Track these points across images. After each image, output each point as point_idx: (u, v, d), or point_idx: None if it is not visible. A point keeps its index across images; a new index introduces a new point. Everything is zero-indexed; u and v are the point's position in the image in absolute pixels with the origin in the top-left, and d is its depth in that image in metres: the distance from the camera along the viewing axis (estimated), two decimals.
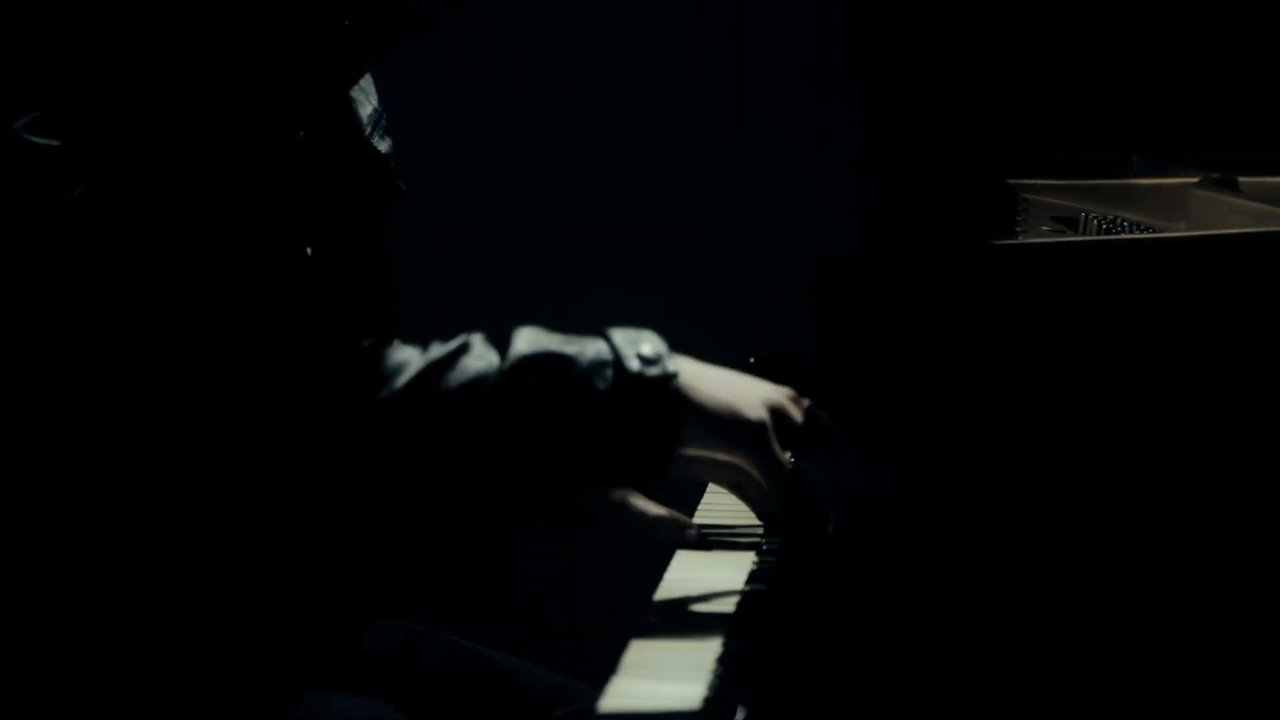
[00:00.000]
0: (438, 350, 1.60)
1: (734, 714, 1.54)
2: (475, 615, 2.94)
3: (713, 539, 1.93)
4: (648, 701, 1.53)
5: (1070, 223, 2.17)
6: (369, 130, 1.99)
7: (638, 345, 1.62)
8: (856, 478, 1.60)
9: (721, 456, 1.67)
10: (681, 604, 1.77)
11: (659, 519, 1.90)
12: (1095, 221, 2.13)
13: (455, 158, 3.27)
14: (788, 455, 1.68)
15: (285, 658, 1.86)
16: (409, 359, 1.60)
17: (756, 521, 1.95)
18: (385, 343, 1.61)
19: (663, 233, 3.27)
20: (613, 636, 3.26)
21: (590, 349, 1.61)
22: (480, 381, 1.58)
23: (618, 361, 1.60)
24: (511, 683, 2.09)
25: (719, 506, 2.00)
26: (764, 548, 1.88)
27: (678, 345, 2.31)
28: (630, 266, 3.28)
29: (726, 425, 1.64)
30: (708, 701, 1.54)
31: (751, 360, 2.46)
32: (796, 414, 1.67)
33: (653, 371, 1.60)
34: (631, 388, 1.60)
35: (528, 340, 1.62)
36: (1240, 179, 2.21)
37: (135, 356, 1.56)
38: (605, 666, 2.62)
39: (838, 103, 3.10)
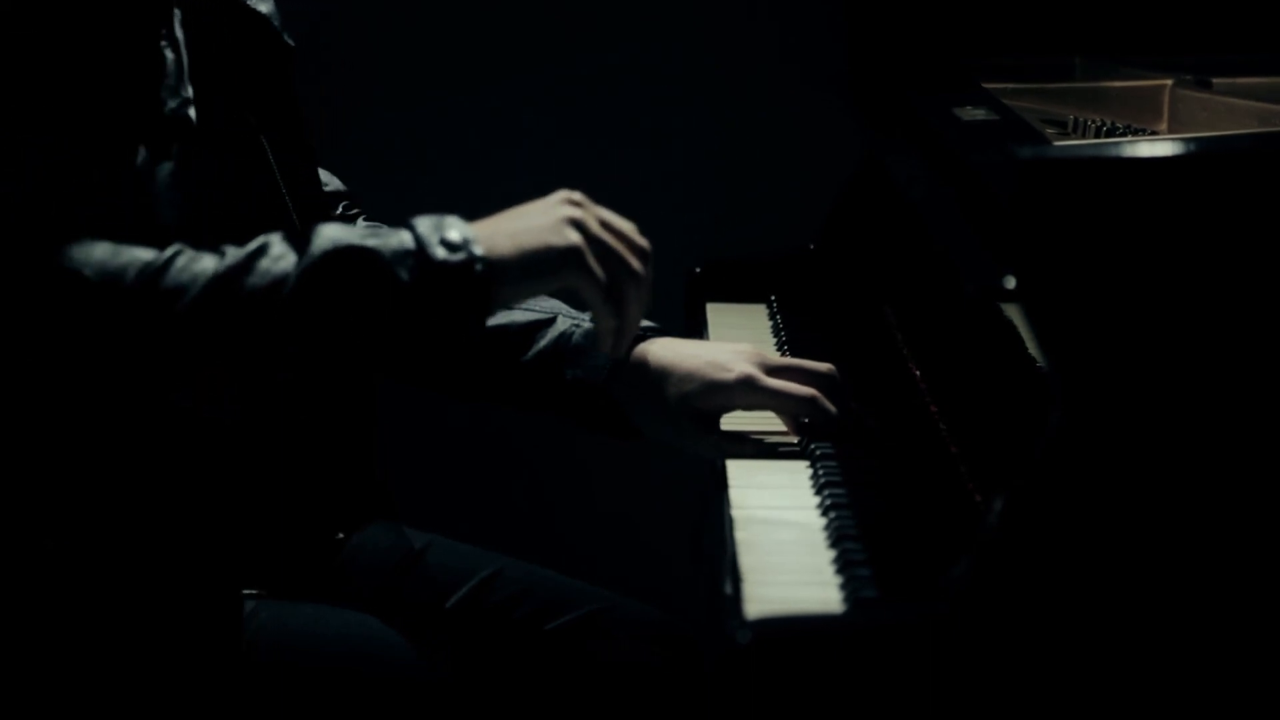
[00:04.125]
0: (234, 255, 1.58)
1: (869, 613, 1.55)
2: (479, 521, 2.90)
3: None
4: (790, 606, 1.55)
5: (1059, 125, 2.22)
6: None
7: (442, 231, 1.60)
8: None
9: (549, 286, 1.65)
10: (763, 512, 1.78)
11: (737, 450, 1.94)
12: (1089, 124, 2.18)
13: (440, 145, 3.24)
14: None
15: (232, 565, 1.84)
16: (204, 267, 1.57)
17: (780, 426, 1.99)
18: (181, 250, 1.57)
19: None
20: (620, 539, 3.25)
21: (393, 240, 1.59)
22: (280, 283, 1.56)
23: (421, 250, 1.58)
24: (519, 587, 2.09)
25: (740, 414, 2.01)
26: (816, 453, 1.90)
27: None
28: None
29: (539, 267, 1.62)
30: (848, 603, 1.56)
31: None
32: (593, 219, 1.65)
33: (457, 257, 1.58)
34: (435, 276, 1.58)
35: (328, 236, 1.58)
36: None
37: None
38: (614, 569, 2.64)
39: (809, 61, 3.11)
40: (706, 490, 1.91)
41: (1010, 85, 2.34)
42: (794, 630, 1.47)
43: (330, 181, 2.14)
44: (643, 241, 1.68)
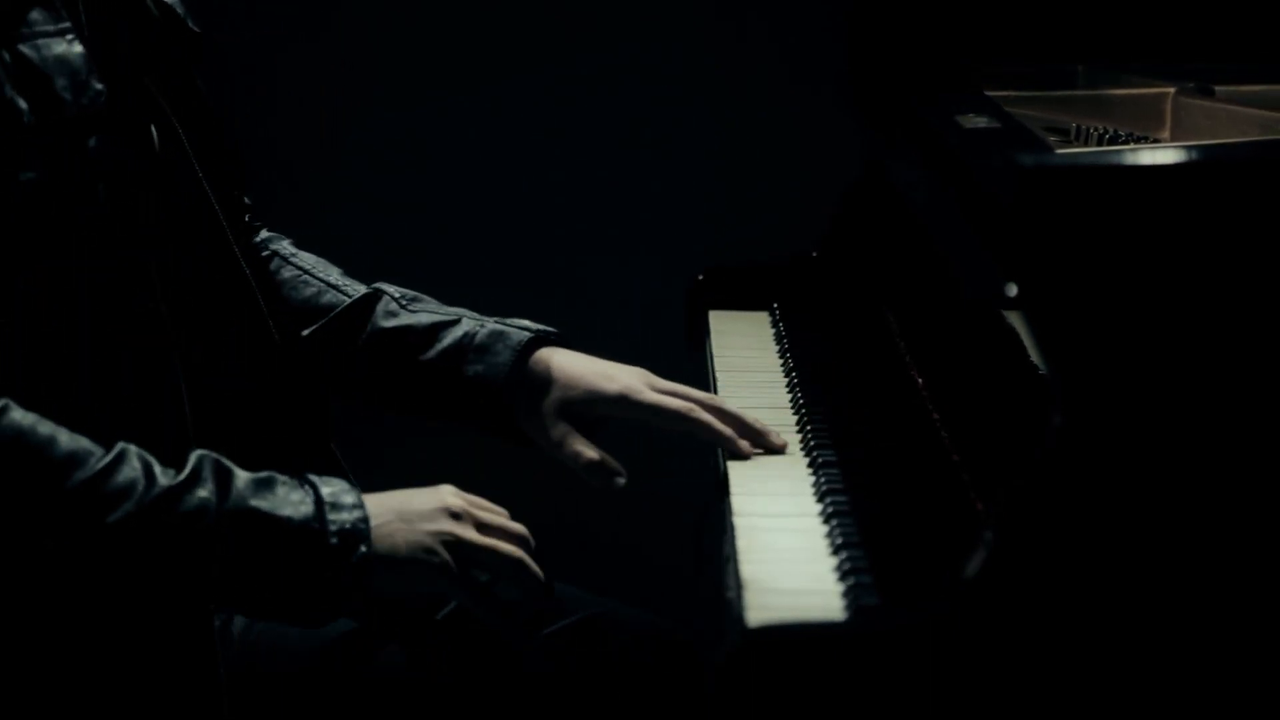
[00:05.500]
0: (167, 480, 1.65)
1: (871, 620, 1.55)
2: None
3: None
4: (792, 613, 1.54)
5: (1062, 132, 2.22)
6: None
7: (340, 518, 1.69)
8: None
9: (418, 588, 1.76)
10: (765, 519, 1.79)
11: (590, 463, 1.99)
12: (1092, 132, 2.18)
13: (445, 146, 3.23)
14: None
15: None
16: (134, 482, 1.64)
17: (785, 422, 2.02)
18: (120, 458, 1.64)
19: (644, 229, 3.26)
20: (617, 543, 3.23)
21: (299, 512, 1.68)
22: (197, 519, 1.65)
23: (321, 533, 1.68)
24: (516, 592, 2.09)
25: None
26: (819, 460, 1.90)
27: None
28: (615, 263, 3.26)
29: (408, 574, 1.72)
30: (850, 610, 1.56)
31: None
32: (470, 530, 1.75)
33: (348, 555, 1.68)
34: (323, 560, 1.68)
35: (245, 491, 1.68)
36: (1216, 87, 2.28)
37: None
38: (611, 574, 2.63)
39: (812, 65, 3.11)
40: (707, 495, 1.91)
41: (1013, 93, 2.34)
42: (796, 637, 1.47)
43: None
44: (518, 528, 1.80)
